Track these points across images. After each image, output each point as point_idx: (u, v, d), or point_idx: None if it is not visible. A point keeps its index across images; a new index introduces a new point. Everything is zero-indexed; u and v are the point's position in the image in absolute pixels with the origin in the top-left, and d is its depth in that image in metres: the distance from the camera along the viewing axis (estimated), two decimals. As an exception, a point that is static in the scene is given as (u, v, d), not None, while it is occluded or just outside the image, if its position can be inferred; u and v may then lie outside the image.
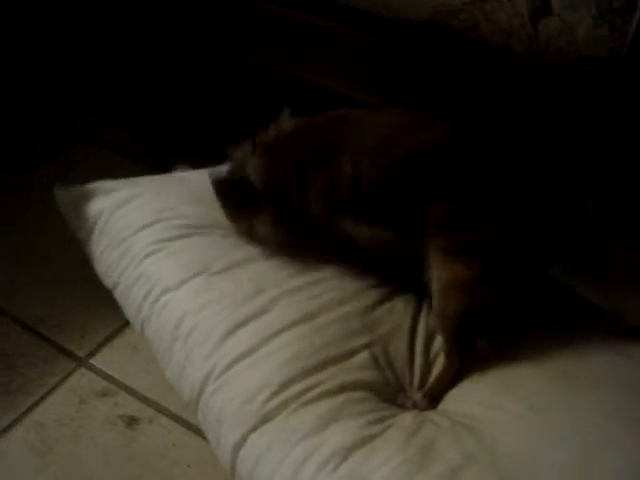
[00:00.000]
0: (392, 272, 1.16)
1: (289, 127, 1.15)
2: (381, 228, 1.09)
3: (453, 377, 1.06)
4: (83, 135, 2.02)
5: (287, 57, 1.63)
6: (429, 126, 1.08)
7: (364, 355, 1.06)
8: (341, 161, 1.07)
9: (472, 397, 1.03)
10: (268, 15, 1.60)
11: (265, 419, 0.99)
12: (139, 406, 1.38)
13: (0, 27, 2.01)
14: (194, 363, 1.08)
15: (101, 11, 1.97)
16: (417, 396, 1.04)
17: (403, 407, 1.03)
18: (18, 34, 2.10)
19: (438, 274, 1.04)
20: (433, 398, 1.05)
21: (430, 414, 1.02)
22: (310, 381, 1.01)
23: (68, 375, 1.43)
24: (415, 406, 1.03)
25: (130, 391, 1.40)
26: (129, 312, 1.23)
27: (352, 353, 1.06)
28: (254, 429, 0.99)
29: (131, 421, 1.35)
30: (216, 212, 1.23)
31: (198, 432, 1.29)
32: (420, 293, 1.12)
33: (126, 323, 1.48)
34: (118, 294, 1.26)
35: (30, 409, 1.36)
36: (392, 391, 1.05)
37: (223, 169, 1.22)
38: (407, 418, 1.00)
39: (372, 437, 0.95)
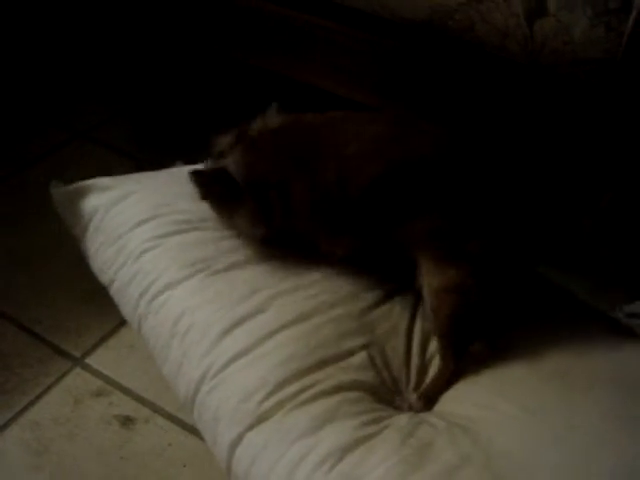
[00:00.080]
0: (386, 273, 1.16)
1: (275, 123, 1.13)
2: (363, 240, 1.08)
3: (448, 379, 1.06)
4: (79, 134, 2.02)
5: (285, 57, 1.63)
6: (418, 134, 1.07)
7: (361, 355, 1.06)
8: (325, 167, 1.06)
9: (467, 398, 1.03)
10: (266, 15, 1.60)
11: (261, 418, 0.99)
12: (134, 406, 1.38)
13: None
14: (191, 361, 1.08)
15: (97, 10, 1.96)
16: (413, 398, 1.04)
17: (399, 409, 1.03)
18: (14, 35, 2.09)
19: (429, 281, 1.05)
20: (429, 400, 1.05)
21: (426, 415, 1.02)
22: (306, 381, 1.01)
23: (64, 375, 1.43)
24: (411, 408, 1.03)
25: (125, 391, 1.40)
26: (125, 309, 1.22)
27: (348, 353, 1.06)
28: (250, 428, 0.99)
29: (126, 421, 1.35)
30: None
31: (194, 432, 1.29)
32: (417, 294, 1.12)
33: (121, 323, 1.48)
34: (114, 291, 1.24)
35: (26, 409, 1.36)
36: (388, 392, 1.05)
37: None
38: (403, 419, 1.00)
39: (368, 438, 0.95)
